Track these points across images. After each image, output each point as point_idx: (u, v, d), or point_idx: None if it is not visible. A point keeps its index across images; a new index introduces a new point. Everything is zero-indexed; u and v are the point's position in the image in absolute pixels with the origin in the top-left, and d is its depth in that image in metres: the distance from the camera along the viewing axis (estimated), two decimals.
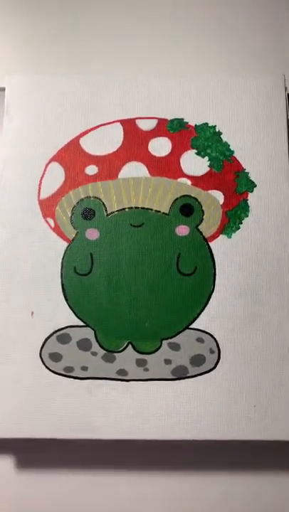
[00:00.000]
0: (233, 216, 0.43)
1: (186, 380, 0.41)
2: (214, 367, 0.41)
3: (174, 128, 0.45)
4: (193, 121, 0.45)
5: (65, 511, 0.42)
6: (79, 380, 0.41)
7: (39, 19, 0.52)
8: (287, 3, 0.52)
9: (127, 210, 0.43)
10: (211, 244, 0.43)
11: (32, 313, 0.42)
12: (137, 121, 0.45)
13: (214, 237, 0.43)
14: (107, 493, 0.43)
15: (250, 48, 0.51)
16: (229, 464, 0.43)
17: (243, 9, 0.52)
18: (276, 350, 0.41)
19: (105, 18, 0.52)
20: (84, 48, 0.51)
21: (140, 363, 0.41)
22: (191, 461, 0.43)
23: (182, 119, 0.45)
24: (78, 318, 0.42)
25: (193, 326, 0.42)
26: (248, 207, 0.43)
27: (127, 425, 0.40)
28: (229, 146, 0.45)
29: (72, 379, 0.41)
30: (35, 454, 0.43)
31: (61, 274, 0.42)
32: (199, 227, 0.43)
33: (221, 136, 0.45)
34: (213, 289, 0.42)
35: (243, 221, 0.43)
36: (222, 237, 0.43)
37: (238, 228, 0.43)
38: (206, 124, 0.45)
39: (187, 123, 0.45)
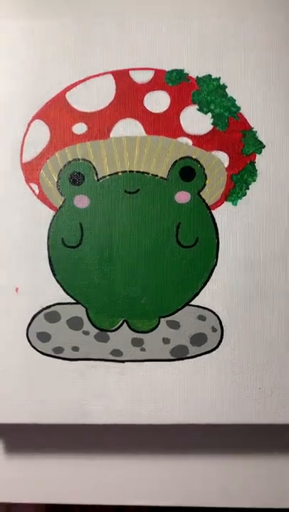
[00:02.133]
0: (239, 181, 0.39)
1: (186, 360, 0.38)
2: (216, 346, 0.38)
3: (173, 80, 0.40)
4: (194, 72, 0.40)
5: (55, 496, 0.40)
6: (69, 362, 0.38)
7: None
8: None
9: (120, 174, 0.39)
10: (214, 212, 0.39)
11: (16, 289, 0.38)
12: (131, 73, 0.40)
13: (218, 204, 0.39)
14: (99, 478, 0.41)
15: None
16: (232, 447, 0.41)
17: None
18: (283, 329, 0.38)
19: None
20: None
21: (136, 343, 0.38)
22: (192, 446, 0.41)
23: (182, 70, 0.40)
24: (68, 294, 0.38)
25: (193, 302, 0.38)
26: (256, 170, 0.39)
27: (122, 409, 0.38)
28: (235, 101, 0.40)
29: (62, 360, 0.38)
30: (24, 439, 0.40)
31: (48, 246, 0.38)
32: (201, 193, 0.39)
33: (226, 90, 0.40)
34: (216, 263, 0.39)
35: (250, 186, 0.39)
36: (226, 205, 0.39)
37: (245, 194, 0.39)
38: (210, 76, 0.40)
39: (188, 74, 0.40)
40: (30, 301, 0.38)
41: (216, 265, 0.39)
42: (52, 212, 0.39)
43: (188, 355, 0.38)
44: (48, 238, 0.39)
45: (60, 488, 0.40)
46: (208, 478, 0.41)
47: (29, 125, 0.39)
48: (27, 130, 0.39)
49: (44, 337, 0.38)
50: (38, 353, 0.38)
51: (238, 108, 0.40)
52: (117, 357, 0.38)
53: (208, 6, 0.45)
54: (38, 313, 0.38)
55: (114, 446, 0.40)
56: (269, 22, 0.40)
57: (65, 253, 0.39)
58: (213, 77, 0.40)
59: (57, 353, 0.38)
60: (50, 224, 0.39)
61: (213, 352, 0.38)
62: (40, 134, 0.39)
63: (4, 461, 0.40)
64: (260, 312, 0.38)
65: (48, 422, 0.38)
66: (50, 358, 0.38)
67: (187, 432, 0.40)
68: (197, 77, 0.40)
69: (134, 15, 0.43)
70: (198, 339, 0.38)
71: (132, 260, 0.39)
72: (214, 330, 0.38)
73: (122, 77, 0.40)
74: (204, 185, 0.39)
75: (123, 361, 0.38)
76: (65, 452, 0.40)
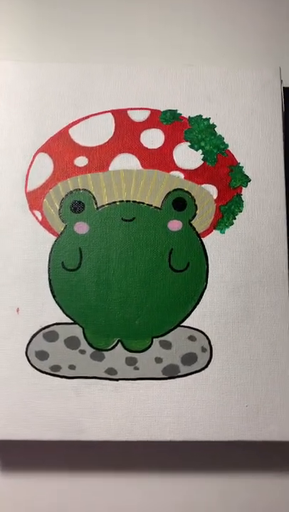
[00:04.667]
0: (227, 211, 0.42)
1: (177, 379, 0.40)
2: (206, 366, 0.40)
3: (167, 119, 0.44)
4: (186, 113, 0.44)
5: None
6: (66, 379, 0.40)
7: (29, 5, 0.50)
8: None
9: (117, 203, 0.42)
10: (204, 239, 0.42)
11: (18, 309, 0.40)
12: (129, 112, 0.44)
13: (207, 232, 0.42)
14: (94, 494, 0.41)
15: (247, 41, 0.50)
16: (222, 464, 0.42)
17: (241, 2, 0.51)
18: (269, 349, 0.40)
19: (102, 6, 0.50)
20: (77, 36, 0.49)
21: (130, 362, 0.40)
22: (183, 462, 0.42)
23: (176, 111, 0.44)
24: (66, 315, 0.40)
25: (185, 323, 0.41)
26: (242, 202, 0.42)
27: (116, 426, 0.39)
28: (223, 139, 0.43)
29: (59, 378, 0.40)
30: (21, 455, 0.41)
31: (48, 269, 0.41)
32: (192, 222, 0.42)
33: (216, 129, 0.44)
34: (205, 286, 0.41)
35: (236, 216, 0.42)
36: (215, 233, 0.42)
37: (232, 224, 0.42)
38: (200, 116, 0.44)
39: (180, 115, 0.44)
40: (30, 321, 0.40)
41: (205, 288, 0.41)
42: (53, 238, 0.41)
43: (179, 374, 0.40)
44: (49, 261, 0.41)
45: (56, 504, 0.41)
46: (199, 493, 0.42)
47: (34, 157, 0.43)
48: (32, 162, 0.43)
49: (42, 355, 0.40)
50: (36, 371, 0.40)
51: (226, 145, 0.44)
52: (111, 375, 0.40)
53: (199, 56, 0.50)
54: (37, 332, 0.40)
55: (109, 462, 0.41)
56: (256, 74, 0.44)
57: (64, 276, 0.41)
58: (203, 117, 0.44)
59: (54, 371, 0.40)
60: (52, 248, 0.41)
61: (203, 371, 0.40)
62: (44, 166, 0.42)
63: (1, 477, 0.41)
64: (246, 333, 0.41)
65: (44, 438, 0.39)
66: (48, 376, 0.40)
67: (178, 448, 0.41)
68: (189, 117, 0.44)
69: (132, 62, 0.48)
70: (189, 359, 0.40)
71: (127, 283, 0.41)
72: (204, 350, 0.40)
73: (120, 115, 0.44)
74: (195, 214, 0.42)
75: (117, 379, 0.40)
76: (60, 469, 0.41)
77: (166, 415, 0.39)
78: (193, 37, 0.50)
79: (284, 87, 0.46)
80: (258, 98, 0.44)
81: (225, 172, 0.43)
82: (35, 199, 0.42)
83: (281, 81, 0.45)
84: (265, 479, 0.42)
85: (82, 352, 0.40)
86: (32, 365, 0.40)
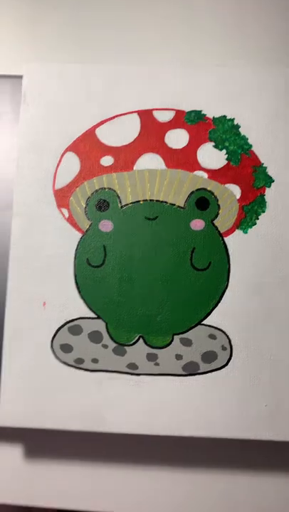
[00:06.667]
0: (250, 211, 0.42)
1: (197, 376, 0.41)
2: (226, 364, 0.41)
3: (192, 120, 0.44)
4: (211, 113, 0.44)
5: (71, 501, 0.42)
6: (89, 372, 0.41)
7: (57, 8, 0.51)
8: None
9: (141, 202, 0.43)
10: (226, 239, 0.42)
11: (44, 303, 0.42)
12: (154, 113, 0.44)
13: (230, 232, 0.42)
14: (113, 485, 0.43)
15: (270, 42, 0.50)
16: (239, 462, 0.43)
17: (263, 2, 0.51)
18: (288, 349, 0.40)
19: (123, 9, 0.51)
20: (102, 38, 0.50)
21: (151, 358, 0.41)
22: (199, 458, 0.43)
23: (200, 111, 0.44)
24: (90, 309, 0.42)
25: (205, 322, 0.41)
26: (265, 202, 0.43)
27: (136, 420, 0.40)
28: (248, 139, 0.44)
29: (82, 371, 0.41)
30: (44, 443, 0.43)
31: (74, 265, 0.42)
32: (215, 221, 0.43)
33: (240, 129, 0.44)
34: (227, 285, 0.42)
35: (259, 216, 0.42)
36: (238, 232, 0.42)
37: (255, 224, 0.42)
38: (225, 116, 0.44)
39: (205, 115, 0.44)
40: (56, 314, 0.42)
41: (226, 288, 0.42)
42: (79, 235, 0.43)
43: (199, 371, 0.41)
44: (75, 258, 0.42)
45: (74, 493, 0.42)
46: (214, 490, 0.42)
47: (62, 156, 0.44)
48: (60, 161, 0.44)
49: (67, 348, 0.41)
50: (61, 363, 0.41)
51: (250, 146, 0.44)
52: (132, 370, 0.41)
53: (223, 57, 0.50)
54: (62, 326, 0.42)
55: (127, 454, 0.43)
56: (279, 75, 0.44)
57: (89, 272, 0.42)
58: (228, 117, 0.44)
59: (78, 364, 0.41)
60: (77, 245, 0.43)
61: (223, 369, 0.41)
62: (72, 165, 0.44)
63: (24, 464, 0.43)
64: (266, 333, 0.41)
65: (66, 428, 0.40)
66: (72, 369, 0.41)
67: (196, 444, 0.42)
68: (214, 117, 0.44)
69: (157, 62, 0.48)
70: (209, 357, 0.41)
71: (149, 280, 0.42)
72: (224, 348, 0.41)
73: (146, 116, 0.44)
74: (217, 214, 0.43)
75: (138, 374, 0.41)
76: (81, 458, 0.43)
77: (185, 411, 0.40)
78: (217, 37, 0.50)
79: None
80: (282, 99, 0.44)
81: (248, 172, 0.43)
82: (62, 197, 0.43)
83: None
84: (283, 479, 0.42)
85: (105, 346, 0.41)
86: (57, 357, 0.41)
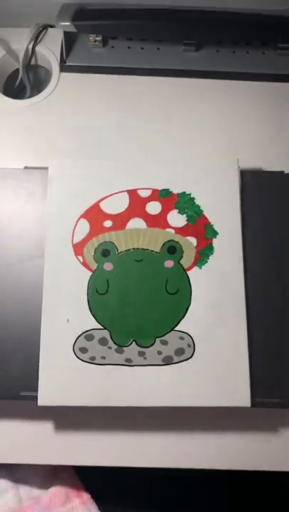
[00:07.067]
0: (203, 254, 0.63)
1: (172, 365, 0.57)
2: (191, 356, 0.58)
3: (163, 195, 0.65)
4: (176, 190, 0.65)
5: (89, 459, 0.60)
6: (99, 366, 0.57)
7: (70, 122, 0.75)
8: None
9: (132, 250, 0.61)
10: (189, 273, 0.59)
11: (68, 320, 0.61)
12: (138, 191, 0.66)
13: (190, 268, 0.59)
14: (120, 445, 0.60)
15: (217, 141, 0.74)
16: (207, 424, 0.60)
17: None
18: (233, 345, 0.60)
19: (120, 119, 0.75)
20: (104, 142, 0.72)
21: (141, 354, 0.58)
22: (186, 422, 0.60)
23: (168, 189, 0.66)
24: (98, 323, 0.60)
25: (177, 328, 0.57)
26: (213, 248, 0.62)
27: (133, 396, 0.58)
28: (200, 207, 0.65)
29: (95, 365, 0.57)
30: (69, 417, 0.60)
31: (87, 293, 0.60)
32: (180, 261, 0.62)
33: (195, 200, 0.66)
34: (190, 304, 0.59)
35: (209, 257, 0.61)
36: (195, 268, 0.59)
37: (206, 262, 0.62)
38: (185, 192, 0.66)
39: (172, 192, 0.66)
40: (76, 327, 0.57)
41: (190, 305, 0.61)
42: (90, 273, 0.60)
43: (173, 362, 0.58)
44: (87, 288, 0.60)
45: (92, 452, 0.60)
46: (186, 446, 0.60)
47: (77, 222, 0.65)
48: (76, 225, 0.65)
49: (83, 350, 0.58)
50: (80, 361, 0.58)
51: (202, 211, 0.65)
52: (128, 363, 0.59)
53: (185, 152, 0.74)
54: (80, 335, 0.58)
55: (128, 421, 0.58)
56: (219, 161, 0.68)
57: (97, 298, 0.61)
58: (186, 193, 0.67)
59: (91, 361, 0.57)
60: (89, 280, 0.59)
61: (189, 360, 0.60)
62: (84, 227, 0.62)
63: (53, 433, 0.60)
64: (219, 334, 0.61)
65: (86, 404, 0.58)
66: (87, 364, 0.57)
67: (183, 412, 0.58)
68: (178, 193, 0.66)
69: (141, 158, 0.72)
70: (180, 351, 0.59)
71: (139, 302, 0.61)
72: (189, 346, 0.60)
73: (132, 193, 0.66)
74: (182, 256, 0.63)
75: (133, 366, 0.59)
76: (96, 427, 0.60)
77: (165, 389, 0.58)
78: (182, 143, 0.74)
79: (241, 170, 0.69)
80: (221, 180, 0.66)
81: (201, 228, 0.64)
82: (78, 248, 0.63)
83: (238, 166, 0.68)
84: (233, 441, 0.60)
85: (110, 348, 0.60)
86: (77, 356, 0.59)
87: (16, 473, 0.61)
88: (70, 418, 0.58)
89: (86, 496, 0.59)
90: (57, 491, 0.58)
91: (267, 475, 0.59)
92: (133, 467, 0.58)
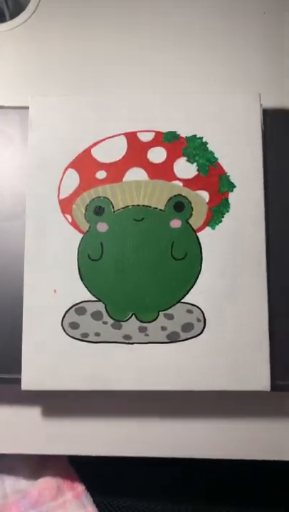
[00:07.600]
0: (216, 212, 0.53)
1: (178, 343, 0.51)
2: (201, 332, 0.51)
3: (169, 139, 0.55)
4: (184, 133, 0.55)
5: (81, 448, 0.53)
6: (93, 344, 0.51)
7: (55, 50, 0.62)
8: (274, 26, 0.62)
9: (130, 207, 0.53)
10: (199, 234, 0.53)
11: (55, 290, 0.52)
12: (138, 134, 0.55)
13: (201, 228, 0.53)
14: (115, 433, 0.53)
15: (234, 72, 0.61)
16: (209, 410, 0.54)
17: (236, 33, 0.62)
18: (251, 319, 0.51)
19: (113, 46, 0.62)
20: (94, 73, 0.61)
21: (142, 330, 0.51)
22: (185, 407, 0.54)
23: (175, 132, 0.55)
24: (92, 294, 0.52)
25: (184, 300, 0.51)
26: (229, 204, 0.53)
27: (131, 379, 0.51)
28: (214, 154, 0.54)
29: (87, 343, 0.51)
30: (58, 403, 0.53)
31: (77, 259, 0.52)
32: (189, 220, 0.53)
33: (207, 145, 0.54)
34: (200, 271, 0.52)
35: (224, 216, 0.53)
36: (207, 229, 0.53)
37: (221, 221, 0.53)
38: (195, 135, 0.55)
39: (179, 135, 0.55)
40: (64, 299, 0.51)
41: (200, 273, 0.52)
42: (80, 235, 0.52)
43: (179, 339, 0.51)
44: (78, 253, 0.52)
45: (84, 441, 0.53)
46: (195, 432, 0.54)
47: (64, 172, 0.54)
48: (63, 176, 0.54)
49: (74, 326, 0.51)
50: (70, 337, 0.51)
51: (216, 159, 0.54)
52: (127, 340, 0.51)
53: (195, 86, 0.61)
54: (70, 308, 0.51)
55: (125, 407, 0.53)
56: (239, 99, 0.55)
57: (89, 264, 0.52)
58: (197, 136, 0.55)
59: (83, 338, 0.51)
60: (79, 243, 0.52)
61: (199, 336, 0.51)
62: (72, 179, 0.53)
63: (41, 421, 0.53)
64: (234, 307, 0.51)
65: (77, 388, 0.50)
66: (79, 341, 0.51)
67: (183, 396, 0.52)
68: (186, 136, 0.55)
69: (140, 93, 0.59)
70: (187, 327, 0.51)
71: (138, 269, 0.52)
72: (199, 320, 0.51)
73: (131, 137, 0.55)
74: (191, 214, 0.53)
75: (132, 343, 0.51)
76: (88, 413, 0.53)
77: (170, 370, 0.51)
78: (191, 71, 0.61)
79: (263, 109, 0.56)
80: (242, 119, 0.54)
81: (215, 180, 0.54)
82: (66, 205, 0.53)
83: (260, 104, 0.56)
84: (248, 424, 0.53)
85: (105, 323, 0.52)
86: (66, 333, 0.51)
87: (0, 462, 0.54)
88: (60, 403, 0.52)
89: (80, 488, 0.53)
90: (47, 483, 0.52)
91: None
92: (130, 456, 0.51)
